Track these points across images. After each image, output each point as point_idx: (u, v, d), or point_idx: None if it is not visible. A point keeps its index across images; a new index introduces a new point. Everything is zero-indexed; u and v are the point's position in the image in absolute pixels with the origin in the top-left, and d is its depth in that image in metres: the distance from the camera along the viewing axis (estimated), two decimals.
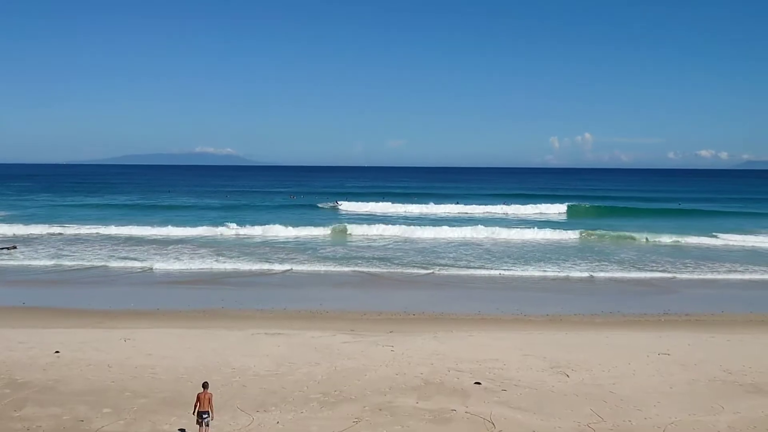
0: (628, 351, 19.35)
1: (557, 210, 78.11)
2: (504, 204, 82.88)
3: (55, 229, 53.49)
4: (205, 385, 13.08)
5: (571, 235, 51.93)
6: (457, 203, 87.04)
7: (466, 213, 76.00)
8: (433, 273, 35.54)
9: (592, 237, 51.50)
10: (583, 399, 15.13)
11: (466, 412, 14.18)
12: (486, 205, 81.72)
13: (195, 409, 12.75)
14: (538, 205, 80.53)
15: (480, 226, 54.57)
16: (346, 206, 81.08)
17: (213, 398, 12.90)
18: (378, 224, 56.06)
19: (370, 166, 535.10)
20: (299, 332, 21.59)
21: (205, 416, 12.65)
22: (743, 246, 47.85)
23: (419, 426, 13.47)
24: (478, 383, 16.12)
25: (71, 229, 53.53)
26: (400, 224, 57.53)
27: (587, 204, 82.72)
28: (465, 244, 47.55)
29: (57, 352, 18.45)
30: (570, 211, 77.77)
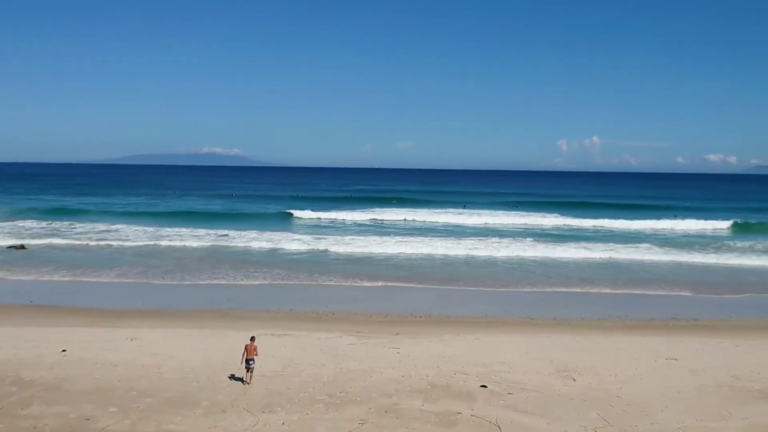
0: (635, 355, 19.25)
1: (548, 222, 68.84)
2: (514, 209, 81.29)
3: (62, 229, 53.87)
4: (252, 339, 16.65)
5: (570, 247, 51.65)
6: (464, 206, 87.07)
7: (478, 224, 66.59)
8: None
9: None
10: (590, 403, 15.05)
11: (472, 416, 14.13)
12: (496, 210, 79.64)
13: (243, 357, 16.14)
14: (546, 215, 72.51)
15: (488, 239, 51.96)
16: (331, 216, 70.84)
17: (257, 349, 16.39)
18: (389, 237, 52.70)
19: (379, 168, 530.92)
20: (305, 333, 21.60)
21: (251, 363, 16.13)
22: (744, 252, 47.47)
23: (425, 428, 13.43)
24: (485, 386, 16.06)
25: (77, 229, 53.87)
26: (403, 236, 55.97)
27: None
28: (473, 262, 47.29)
29: (63, 350, 18.51)
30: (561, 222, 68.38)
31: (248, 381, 15.99)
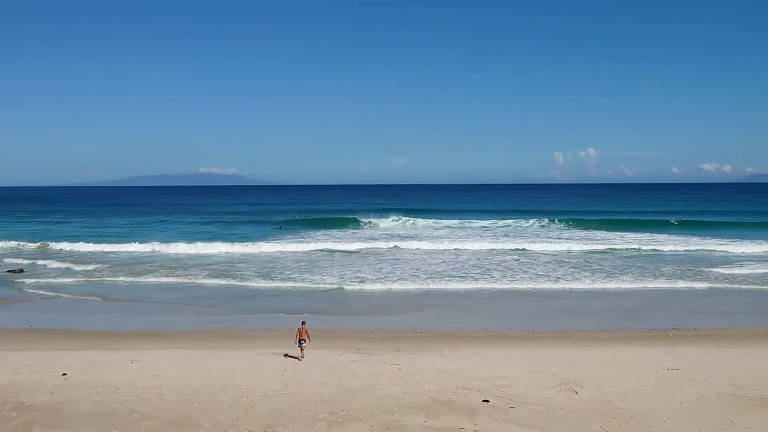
0: (636, 367, 19.23)
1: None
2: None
3: (60, 252, 53.84)
4: (303, 323, 20.74)
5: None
6: (459, 220, 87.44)
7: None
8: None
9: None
10: (592, 416, 15.03)
11: (474, 431, 14.10)
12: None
13: (296, 338, 20.24)
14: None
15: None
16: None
17: (308, 331, 20.52)
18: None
19: (379, 184, 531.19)
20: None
21: (303, 342, 20.18)
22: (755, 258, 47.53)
23: None
24: (487, 401, 16.03)
25: (76, 251, 53.87)
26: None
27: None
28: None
29: (64, 374, 18.45)
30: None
31: (301, 357, 20.03)
